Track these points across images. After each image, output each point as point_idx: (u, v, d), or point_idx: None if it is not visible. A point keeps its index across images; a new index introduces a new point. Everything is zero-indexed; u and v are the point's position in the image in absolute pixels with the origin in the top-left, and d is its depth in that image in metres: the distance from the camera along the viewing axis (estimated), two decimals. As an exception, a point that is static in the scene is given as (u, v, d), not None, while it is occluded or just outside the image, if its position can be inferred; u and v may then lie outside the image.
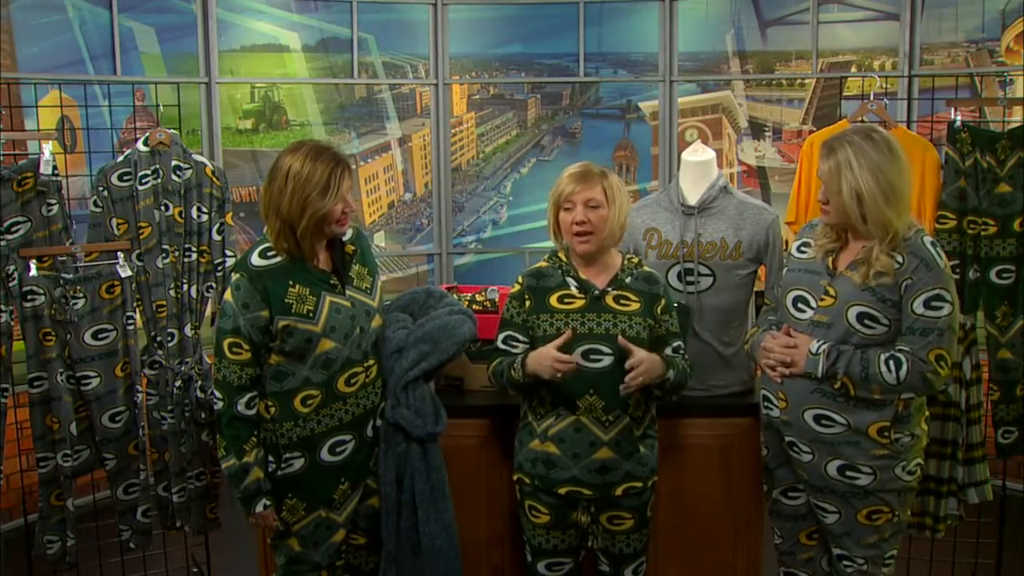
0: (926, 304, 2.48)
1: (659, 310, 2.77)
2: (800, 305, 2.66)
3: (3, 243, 3.26)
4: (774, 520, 2.92)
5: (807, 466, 2.68)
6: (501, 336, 2.83)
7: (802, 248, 2.74)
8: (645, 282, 2.79)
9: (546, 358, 2.61)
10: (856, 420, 2.57)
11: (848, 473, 2.61)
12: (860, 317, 2.54)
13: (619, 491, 2.73)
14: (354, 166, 5.69)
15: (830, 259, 2.64)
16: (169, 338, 3.57)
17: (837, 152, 2.54)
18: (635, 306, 2.74)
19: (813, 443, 2.64)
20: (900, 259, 2.51)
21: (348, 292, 2.69)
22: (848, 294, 2.56)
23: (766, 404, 2.77)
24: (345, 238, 2.74)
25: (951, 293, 2.50)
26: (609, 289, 2.74)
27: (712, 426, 3.13)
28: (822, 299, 2.61)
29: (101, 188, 3.50)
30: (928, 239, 2.55)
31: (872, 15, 5.32)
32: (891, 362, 2.49)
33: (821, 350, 2.57)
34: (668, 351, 2.76)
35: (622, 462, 2.71)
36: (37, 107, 4.31)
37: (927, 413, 2.74)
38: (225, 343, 2.59)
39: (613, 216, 2.69)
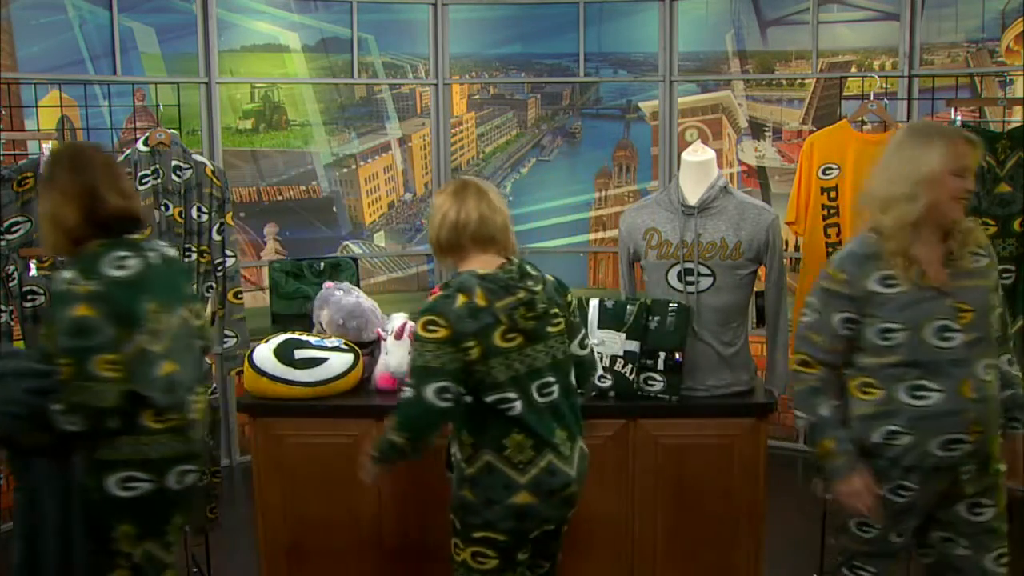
0: None
1: None
2: (946, 334, 2.46)
3: (3, 243, 3.26)
4: (868, 560, 2.67)
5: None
6: None
7: (888, 282, 2.50)
8: None
9: None
10: None
11: None
12: (1000, 314, 2.53)
13: None
14: (354, 166, 5.74)
15: (922, 277, 2.47)
16: (169, 338, 3.57)
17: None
18: None
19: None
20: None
21: None
22: (980, 298, 2.47)
23: (950, 446, 2.49)
24: None
25: None
26: None
27: (712, 426, 3.13)
28: (960, 317, 2.46)
29: (101, 188, 3.50)
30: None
31: (872, 15, 5.31)
32: None
33: None
34: None
35: None
36: (37, 107, 4.31)
37: None
38: None
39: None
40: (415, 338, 2.50)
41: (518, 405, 2.49)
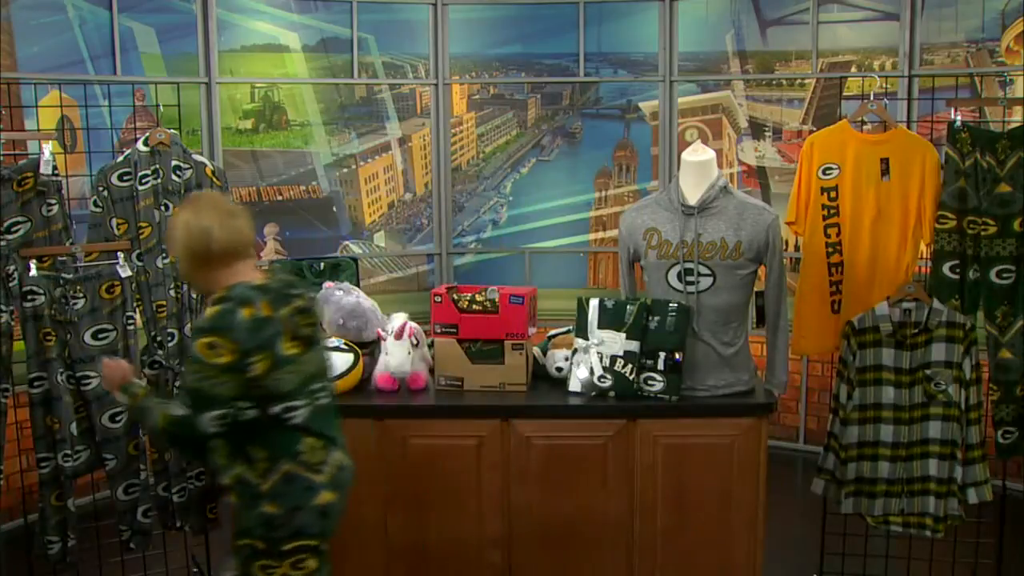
0: None
1: None
2: None
3: (3, 243, 3.26)
4: None
5: None
6: None
7: None
8: None
9: None
10: None
11: None
12: None
13: None
14: (354, 166, 5.74)
15: None
16: (169, 338, 3.57)
17: None
18: None
19: None
20: None
21: None
22: None
23: None
24: None
25: None
26: None
27: (712, 426, 3.13)
28: None
29: (101, 188, 3.50)
30: None
31: (872, 15, 5.31)
32: None
33: None
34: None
35: None
36: (37, 107, 4.31)
37: None
38: None
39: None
40: (193, 359, 2.38)
41: (301, 413, 2.48)
